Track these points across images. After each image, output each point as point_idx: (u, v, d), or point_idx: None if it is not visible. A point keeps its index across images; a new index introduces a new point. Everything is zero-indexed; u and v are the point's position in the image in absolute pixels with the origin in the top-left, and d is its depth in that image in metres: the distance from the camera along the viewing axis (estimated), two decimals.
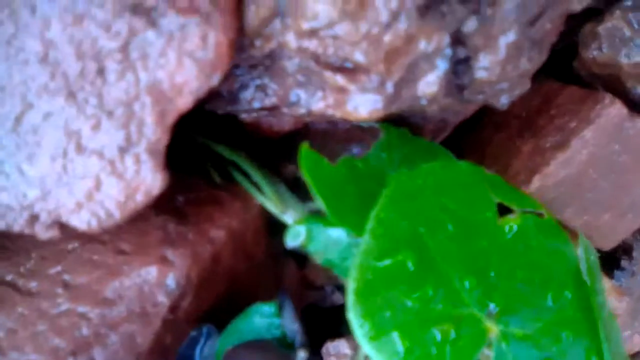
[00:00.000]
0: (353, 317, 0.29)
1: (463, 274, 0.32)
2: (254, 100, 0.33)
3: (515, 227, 0.35)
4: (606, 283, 0.53)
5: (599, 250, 0.52)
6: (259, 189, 0.38)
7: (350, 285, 0.30)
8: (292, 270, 0.48)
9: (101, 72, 0.26)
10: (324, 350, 0.51)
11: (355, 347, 0.56)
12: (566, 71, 0.48)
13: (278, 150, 0.41)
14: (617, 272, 0.56)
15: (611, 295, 0.52)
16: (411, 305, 0.30)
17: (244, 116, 0.35)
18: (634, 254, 0.55)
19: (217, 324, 0.37)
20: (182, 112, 0.27)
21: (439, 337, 0.30)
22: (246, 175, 0.38)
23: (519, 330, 0.32)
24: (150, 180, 0.28)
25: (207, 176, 0.40)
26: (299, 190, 0.39)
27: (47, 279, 0.34)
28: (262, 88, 0.33)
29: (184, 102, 0.27)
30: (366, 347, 0.30)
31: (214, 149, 0.39)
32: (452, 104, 0.35)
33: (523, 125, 0.47)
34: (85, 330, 0.32)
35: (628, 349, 0.75)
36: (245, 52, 0.31)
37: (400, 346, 0.30)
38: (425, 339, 0.30)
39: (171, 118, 0.27)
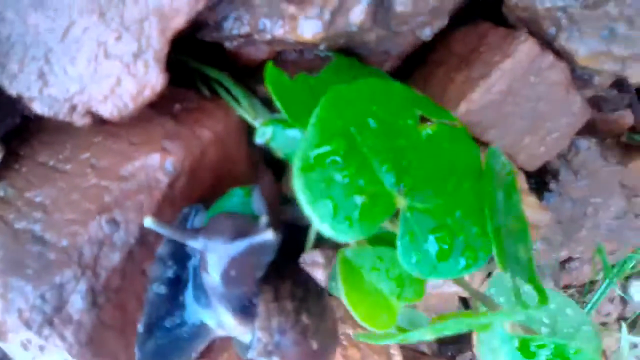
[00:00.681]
0: (296, 187, 0.40)
1: (382, 160, 0.42)
2: (233, 29, 0.44)
3: (430, 132, 0.46)
4: (531, 200, 0.64)
5: (527, 173, 0.62)
6: (238, 102, 0.49)
7: (295, 164, 0.41)
8: (269, 181, 0.59)
9: None
10: (301, 260, 0.62)
11: (326, 256, 0.66)
12: (499, 15, 0.57)
13: (254, 75, 0.52)
14: (546, 194, 0.67)
15: (535, 210, 0.62)
16: (339, 179, 0.41)
17: (227, 44, 0.46)
18: (560, 177, 0.65)
19: (204, 206, 0.49)
20: (177, 29, 0.39)
21: (359, 203, 0.41)
22: (228, 91, 0.50)
23: (421, 204, 0.42)
24: (154, 79, 0.40)
25: (198, 91, 0.51)
26: (269, 107, 0.51)
27: (79, 163, 0.46)
28: (238, 18, 0.44)
29: (179, 21, 0.39)
30: (306, 210, 0.40)
31: (203, 71, 0.50)
32: (386, 35, 0.46)
33: (460, 61, 0.56)
34: (107, 198, 0.44)
35: (579, 278, 0.86)
36: None
37: (330, 208, 0.40)
38: (349, 204, 0.41)
39: (170, 33, 0.39)
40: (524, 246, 0.49)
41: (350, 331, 0.73)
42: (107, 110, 0.40)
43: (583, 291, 0.91)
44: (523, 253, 0.48)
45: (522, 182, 0.62)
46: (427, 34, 0.46)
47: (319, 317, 0.50)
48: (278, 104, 0.44)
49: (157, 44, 0.39)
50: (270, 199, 0.58)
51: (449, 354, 0.89)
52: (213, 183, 0.50)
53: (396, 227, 0.43)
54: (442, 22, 0.46)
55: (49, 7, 0.38)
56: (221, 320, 0.47)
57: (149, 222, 0.40)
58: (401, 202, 0.42)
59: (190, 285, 0.48)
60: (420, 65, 0.60)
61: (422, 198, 0.43)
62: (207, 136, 0.47)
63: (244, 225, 0.43)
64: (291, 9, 0.40)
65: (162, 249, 0.46)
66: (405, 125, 0.45)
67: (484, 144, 0.57)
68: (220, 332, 0.49)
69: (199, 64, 0.50)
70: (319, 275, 0.65)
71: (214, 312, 0.47)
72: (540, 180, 0.66)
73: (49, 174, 0.46)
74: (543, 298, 0.45)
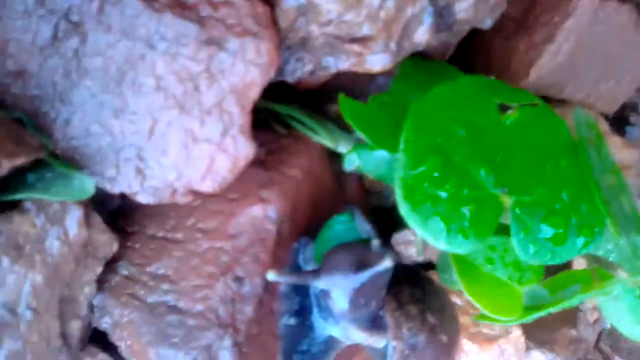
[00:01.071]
0: (404, 212, 0.41)
1: (477, 165, 0.41)
2: (295, 70, 0.45)
3: (514, 119, 0.45)
4: (615, 140, 0.62)
5: (605, 116, 0.61)
6: (314, 131, 0.50)
7: (397, 191, 0.41)
8: (355, 184, 0.60)
9: (196, 88, 0.39)
10: (392, 240, 0.63)
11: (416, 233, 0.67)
12: None
13: (320, 95, 0.52)
14: (628, 128, 0.65)
15: (621, 149, 0.61)
16: (443, 195, 0.42)
17: (289, 79, 0.47)
18: None
19: (312, 238, 0.51)
20: (255, 100, 0.40)
21: (467, 214, 0.41)
22: (302, 122, 0.50)
23: (527, 197, 0.42)
24: (245, 150, 0.41)
25: (274, 131, 0.52)
26: (343, 123, 0.51)
27: (187, 229, 0.48)
28: (299, 59, 0.44)
29: (254, 93, 0.39)
30: (419, 232, 0.41)
31: (273, 109, 0.51)
32: (447, 36, 0.45)
33: (517, 26, 0.55)
34: (225, 258, 0.46)
35: None
36: (284, 42, 0.42)
37: (442, 225, 0.40)
38: (458, 217, 0.41)
39: (249, 106, 0.40)
40: (626, 197, 0.48)
41: (457, 300, 0.74)
42: (207, 187, 0.42)
43: None
44: (627, 205, 0.48)
45: (602, 125, 0.61)
46: (488, 24, 0.45)
47: (441, 311, 0.52)
48: (361, 134, 0.45)
49: (239, 119, 0.39)
50: (359, 197, 0.60)
51: None
52: (311, 213, 0.51)
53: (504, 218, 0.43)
54: (502, 8, 0.44)
55: (129, 112, 0.39)
56: (350, 336, 0.49)
57: (272, 276, 0.42)
58: (507, 201, 0.43)
59: (315, 310, 0.50)
60: (475, 35, 0.58)
61: (526, 191, 0.43)
62: (298, 175, 0.48)
63: (360, 256, 0.45)
64: (355, 47, 0.40)
65: (284, 287, 0.48)
66: (489, 120, 0.45)
67: (562, 102, 0.56)
68: (349, 342, 0.51)
69: (266, 102, 0.51)
70: (412, 252, 0.66)
71: (343, 329, 0.49)
72: (620, 116, 0.64)
73: (163, 245, 0.48)
74: None
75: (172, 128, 0.40)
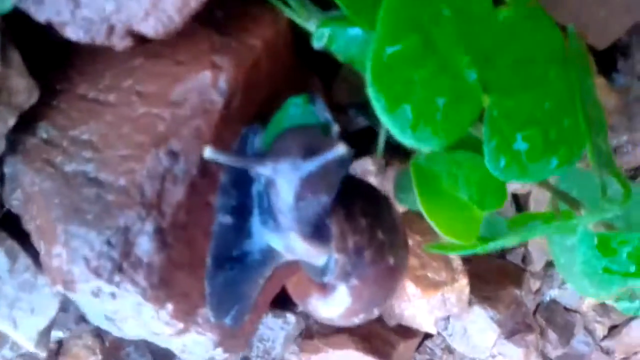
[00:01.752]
0: (371, 93, 0.36)
1: (460, 53, 0.38)
2: None
3: (507, 15, 0.40)
4: (600, 82, 0.59)
5: (594, 50, 0.57)
6: (285, 2, 0.44)
7: (368, 67, 0.36)
8: (320, 89, 0.55)
9: None
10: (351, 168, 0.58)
11: (377, 164, 0.63)
12: None
13: None
14: (614, 74, 0.62)
15: (603, 92, 0.58)
16: (418, 80, 0.37)
17: None
18: (630, 54, 0.60)
19: (263, 124, 0.45)
20: None
21: (441, 104, 0.37)
22: None
23: (508, 99, 0.38)
24: None
25: None
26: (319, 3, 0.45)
27: (123, 91, 0.41)
28: None
29: None
30: (383, 118, 0.36)
31: None
32: None
33: None
34: (161, 127, 0.40)
35: (632, 162, 0.82)
36: None
37: (410, 114, 0.36)
38: (431, 107, 0.37)
39: None
40: (603, 136, 0.45)
41: (410, 240, 0.70)
42: (150, 28, 0.35)
43: (634, 175, 0.88)
44: (602, 143, 0.44)
45: (591, 63, 0.57)
46: None
47: (393, 231, 0.47)
48: (338, 1, 0.39)
49: None
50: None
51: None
52: (268, 95, 0.45)
53: (475, 130, 0.39)
54: None
55: None
56: (291, 245, 0.44)
57: (209, 152, 0.36)
58: (486, 100, 0.38)
59: (256, 211, 0.44)
60: None
61: (508, 92, 0.39)
62: (259, 45, 0.42)
63: (313, 140, 0.39)
64: None
65: (224, 178, 0.42)
66: (480, 9, 0.40)
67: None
68: (289, 256, 0.46)
69: None
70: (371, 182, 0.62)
71: (283, 236, 0.44)
72: (607, 57, 0.61)
73: (92, 107, 0.42)
74: (628, 193, 0.42)
75: None
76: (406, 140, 0.37)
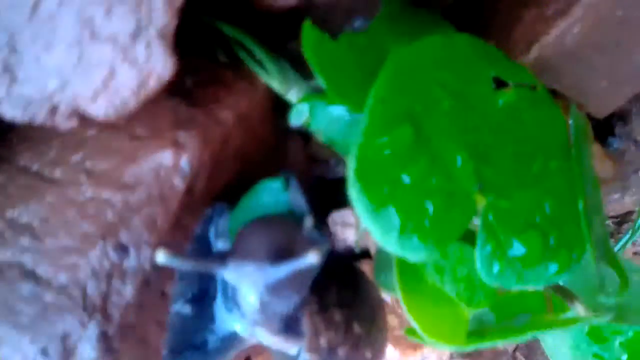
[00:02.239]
0: (354, 193, 0.31)
1: (455, 149, 0.33)
2: None
3: (508, 101, 0.36)
4: (596, 149, 0.56)
5: (592, 119, 0.53)
6: (263, 67, 0.39)
7: (351, 162, 0.32)
8: (298, 146, 0.50)
9: None
10: (330, 219, 0.54)
11: (357, 217, 0.59)
12: None
13: (282, 27, 0.41)
14: (610, 139, 0.58)
15: (598, 159, 0.54)
16: (407, 180, 0.32)
17: None
18: (631, 117, 0.56)
19: (231, 204, 0.40)
20: None
21: (431, 210, 0.33)
22: (250, 54, 0.39)
23: (505, 201, 0.34)
24: (161, 66, 0.29)
25: (213, 56, 0.40)
26: (303, 67, 0.40)
27: (70, 167, 0.36)
28: None
29: None
30: (365, 221, 0.31)
31: (219, 28, 0.39)
32: None
33: None
34: (110, 215, 0.35)
35: (618, 209, 0.79)
36: None
37: (396, 219, 0.31)
38: (419, 212, 0.32)
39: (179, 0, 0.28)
40: (599, 218, 0.41)
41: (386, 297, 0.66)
42: (100, 110, 0.30)
43: (621, 222, 0.85)
44: (598, 227, 0.40)
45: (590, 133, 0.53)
46: None
47: (371, 321, 0.43)
48: (319, 78, 0.34)
49: (161, 16, 0.28)
50: (299, 163, 0.50)
51: None
52: (238, 169, 0.40)
53: None
54: None
55: None
56: (257, 336, 0.40)
57: (162, 257, 0.31)
58: (481, 200, 0.34)
59: (219, 297, 0.40)
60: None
61: (505, 192, 0.34)
62: (228, 118, 0.37)
63: (282, 240, 0.35)
64: None
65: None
66: (479, 95, 0.36)
67: (553, 92, 0.48)
68: (254, 341, 0.42)
69: (213, 19, 0.39)
70: (349, 236, 0.60)
71: (249, 327, 0.39)
72: (605, 124, 0.57)
73: (34, 183, 0.36)
74: (625, 284, 0.39)
75: (65, 10, 0.28)
76: (390, 246, 0.32)
